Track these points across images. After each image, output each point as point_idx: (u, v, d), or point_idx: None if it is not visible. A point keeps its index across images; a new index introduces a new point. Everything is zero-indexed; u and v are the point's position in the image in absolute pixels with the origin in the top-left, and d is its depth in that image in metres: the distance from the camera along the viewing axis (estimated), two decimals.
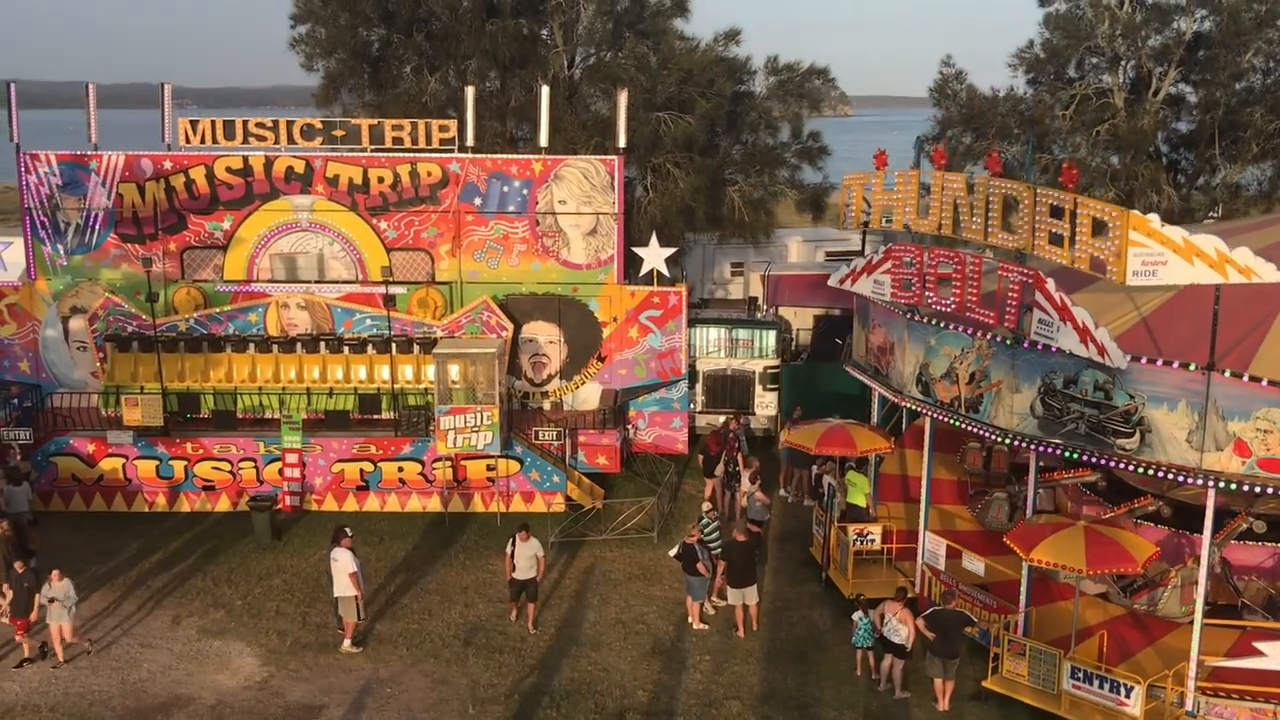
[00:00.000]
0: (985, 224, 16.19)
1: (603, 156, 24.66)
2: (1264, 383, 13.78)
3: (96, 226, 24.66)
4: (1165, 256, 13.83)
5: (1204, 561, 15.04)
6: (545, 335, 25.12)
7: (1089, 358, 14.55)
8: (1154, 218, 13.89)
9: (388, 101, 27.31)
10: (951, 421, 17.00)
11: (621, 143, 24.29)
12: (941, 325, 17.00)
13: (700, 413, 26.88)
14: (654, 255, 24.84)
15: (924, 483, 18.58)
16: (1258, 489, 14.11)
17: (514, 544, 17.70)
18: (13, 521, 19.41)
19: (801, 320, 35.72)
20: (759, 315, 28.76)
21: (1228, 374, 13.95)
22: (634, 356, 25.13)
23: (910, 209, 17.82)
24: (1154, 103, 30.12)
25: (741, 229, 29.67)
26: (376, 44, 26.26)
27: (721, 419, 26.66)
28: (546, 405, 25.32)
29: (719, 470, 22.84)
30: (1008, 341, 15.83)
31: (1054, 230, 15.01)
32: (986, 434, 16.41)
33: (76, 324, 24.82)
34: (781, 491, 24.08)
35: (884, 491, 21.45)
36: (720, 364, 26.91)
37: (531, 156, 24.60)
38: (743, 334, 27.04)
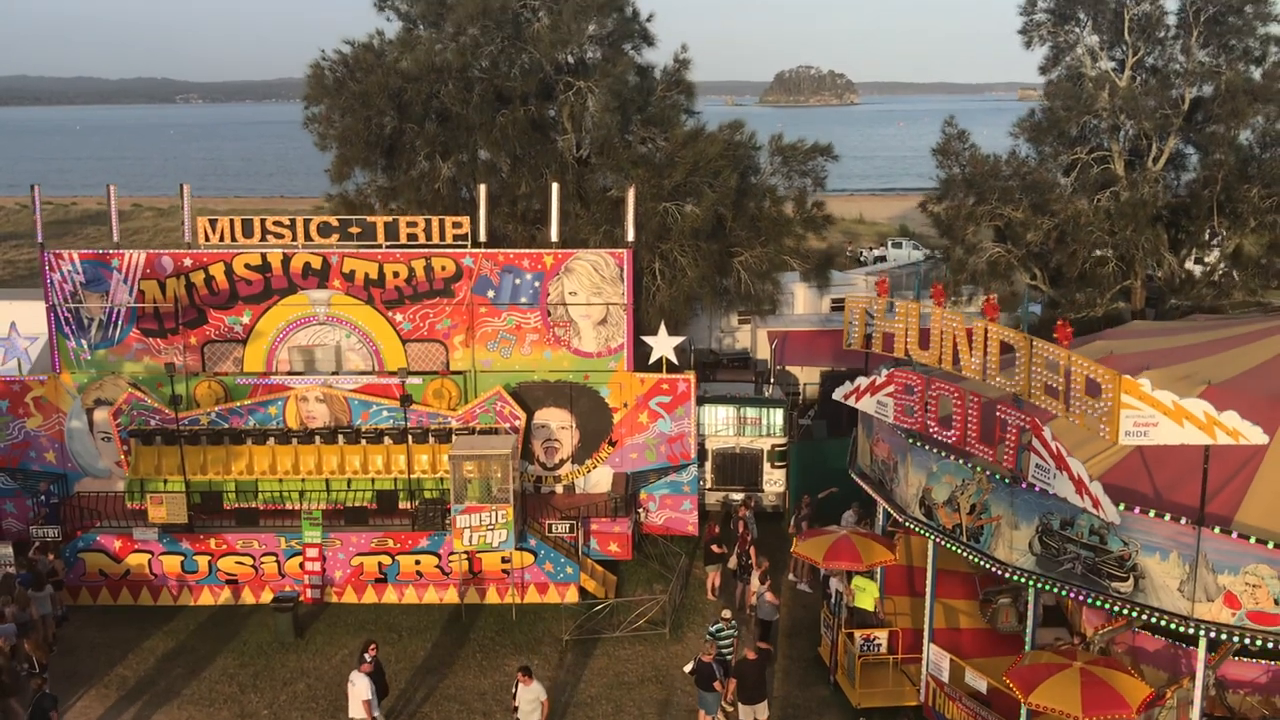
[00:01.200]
0: (984, 364, 16.73)
1: (612, 250, 25.23)
2: (1251, 540, 14.33)
3: (119, 322, 25.31)
4: (1156, 419, 14.38)
5: (1198, 696, 15.61)
6: (557, 421, 25.73)
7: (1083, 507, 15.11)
8: (1145, 382, 14.44)
9: (400, 185, 27.87)
10: (953, 548, 17.57)
11: (630, 237, 24.86)
12: (943, 454, 17.55)
13: (709, 490, 27.49)
14: (663, 344, 25.41)
15: (928, 600, 19.14)
16: (1248, 639, 14.67)
17: (516, 687, 18.01)
18: (22, 630, 20.11)
19: (809, 375, 36.38)
20: (766, 391, 29.26)
21: (1217, 530, 14.50)
22: (644, 441, 25.72)
23: (912, 339, 18.36)
24: (1153, 171, 30.56)
25: (747, 300, 30.19)
26: (389, 131, 26.79)
27: (727, 495, 27.37)
28: (559, 489, 25.94)
29: (732, 563, 23.46)
30: (1006, 481, 16.39)
31: (1049, 383, 15.56)
32: (990, 567, 16.95)
33: (100, 416, 25.48)
34: (790, 577, 24.67)
35: (891, 583, 22.03)
36: (729, 442, 27.49)
37: (543, 250, 25.17)
38: (751, 412, 27.59)
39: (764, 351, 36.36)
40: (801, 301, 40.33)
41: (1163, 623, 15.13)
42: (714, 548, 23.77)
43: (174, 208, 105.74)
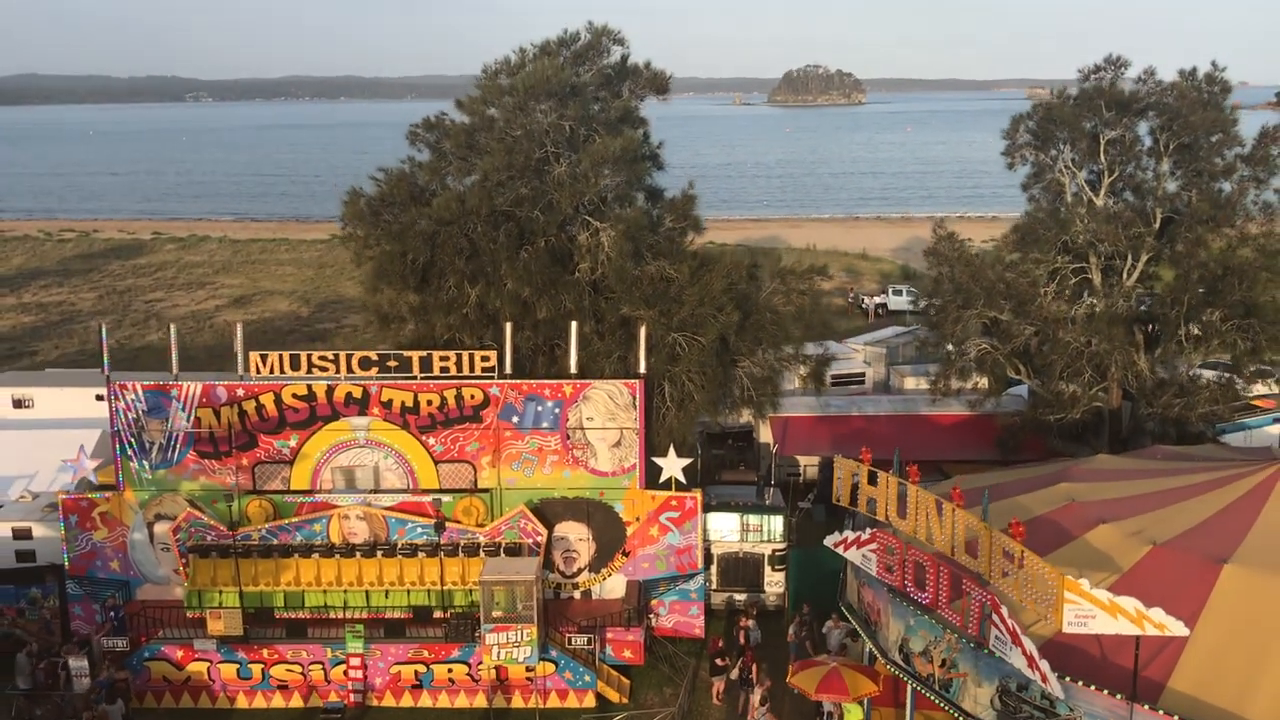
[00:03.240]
0: (951, 543, 19.20)
1: (625, 380, 27.71)
2: (1175, 718, 16.78)
3: (177, 445, 27.84)
4: (1095, 612, 16.85)
5: None
6: (575, 534, 28.24)
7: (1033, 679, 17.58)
8: (1084, 582, 16.90)
9: (431, 308, 30.36)
10: (927, 694, 20.06)
11: (642, 369, 27.36)
12: (918, 612, 20.03)
13: (715, 590, 29.98)
14: (672, 465, 27.89)
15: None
16: None
17: None
18: None
19: (809, 459, 38.92)
20: (767, 498, 31.74)
21: (1146, 707, 16.96)
22: (655, 552, 28.23)
23: (891, 508, 20.83)
24: (1127, 286, 32.95)
25: (749, 405, 32.63)
26: (422, 264, 29.29)
27: (731, 596, 29.85)
28: (577, 595, 28.46)
29: (734, 674, 25.95)
30: (971, 645, 18.86)
31: (1005, 569, 18.02)
32: (959, 718, 19.41)
33: (160, 529, 28.04)
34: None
35: (879, 698, 24.48)
36: (733, 546, 29.98)
37: (562, 380, 27.68)
38: (753, 519, 30.06)
39: (766, 434, 38.91)
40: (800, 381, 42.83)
41: None
42: (718, 660, 26.25)
43: (193, 236, 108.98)
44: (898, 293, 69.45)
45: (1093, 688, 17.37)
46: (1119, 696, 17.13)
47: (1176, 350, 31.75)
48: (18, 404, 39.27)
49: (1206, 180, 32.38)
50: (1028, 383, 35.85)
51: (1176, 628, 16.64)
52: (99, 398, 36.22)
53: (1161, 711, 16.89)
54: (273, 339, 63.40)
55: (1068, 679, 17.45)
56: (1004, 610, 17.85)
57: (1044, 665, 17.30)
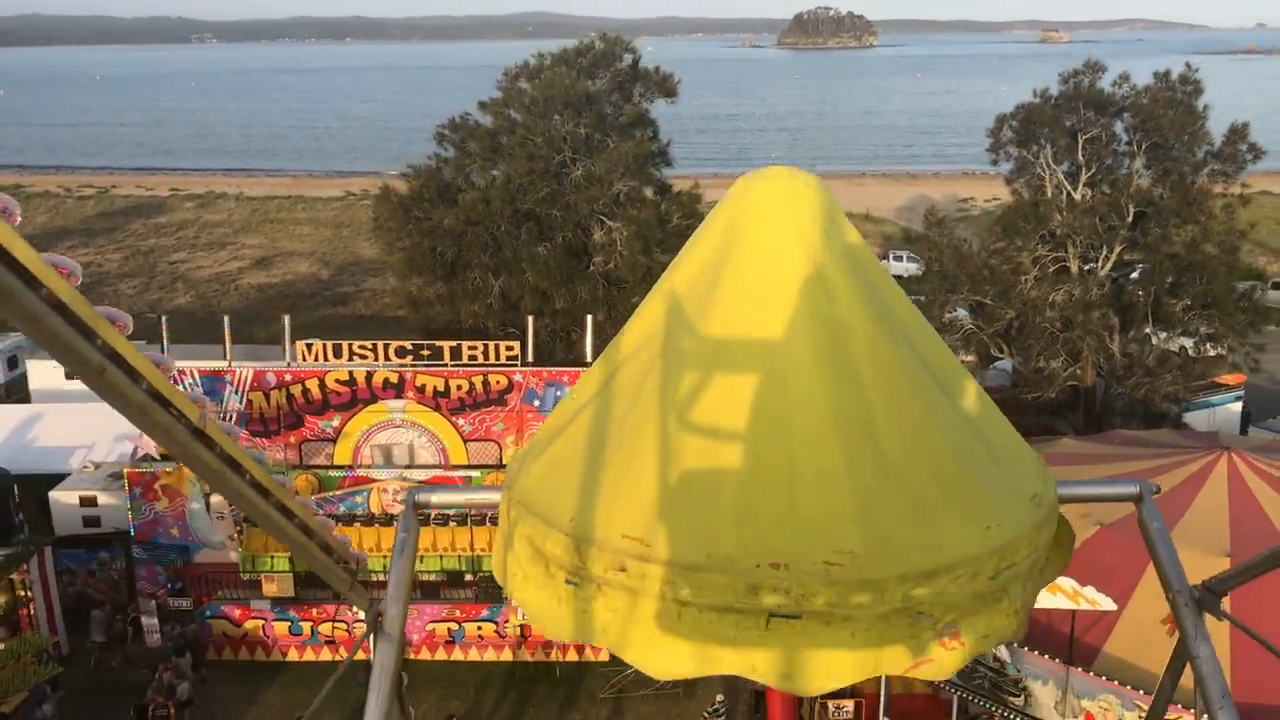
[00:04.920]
0: None
1: None
2: (1103, 678, 19.79)
3: (231, 424, 30.78)
4: None
5: None
6: None
7: None
8: None
9: (458, 296, 33.16)
10: None
11: None
12: None
13: None
14: None
15: (882, 680, 24.71)
16: None
17: None
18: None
19: None
20: None
21: (1079, 669, 19.96)
22: None
23: None
24: (1101, 275, 35.62)
25: None
26: (450, 258, 32.07)
27: None
28: None
29: None
30: None
31: None
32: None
33: (216, 499, 31.05)
34: None
35: None
36: None
37: (580, 368, 30.50)
38: None
39: None
40: None
41: None
42: None
43: (210, 194, 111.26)
44: (898, 258, 71.40)
45: (1036, 653, 20.36)
46: (1057, 660, 20.11)
47: (1144, 335, 34.43)
48: (70, 376, 42.20)
49: (1175, 177, 34.85)
50: (1010, 360, 38.60)
51: (1106, 604, 19.55)
52: None
53: (1093, 673, 19.88)
54: (295, 303, 66.13)
55: (1014, 645, 20.42)
56: None
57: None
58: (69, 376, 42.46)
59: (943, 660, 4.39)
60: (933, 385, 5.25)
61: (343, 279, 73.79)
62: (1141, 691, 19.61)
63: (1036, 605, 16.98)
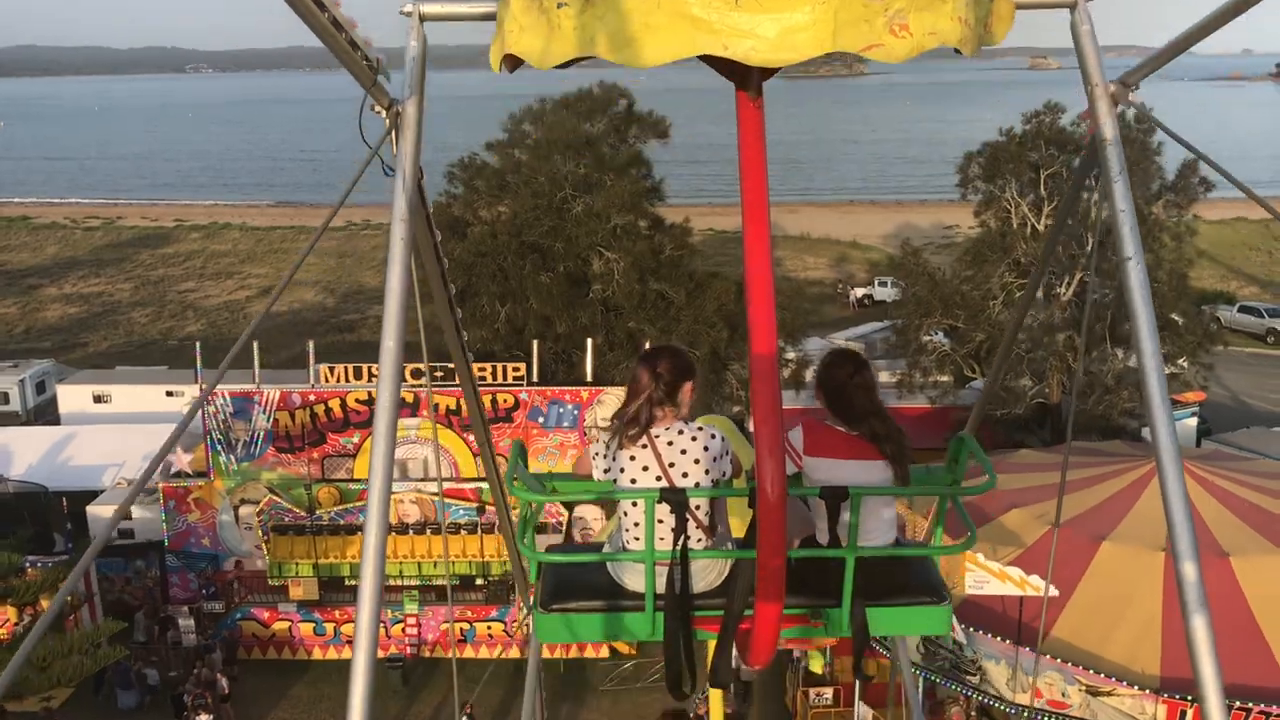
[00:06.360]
0: None
1: None
2: (1047, 657, 22.37)
3: (259, 441, 33.36)
4: (988, 578, 22.37)
5: None
6: (591, 514, 33.78)
7: None
8: (980, 555, 22.42)
9: (467, 322, 35.76)
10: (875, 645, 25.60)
11: None
12: None
13: None
14: None
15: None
16: (1046, 717, 22.74)
17: None
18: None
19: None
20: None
21: (1027, 650, 22.54)
22: None
23: None
24: (1062, 300, 38.41)
25: (738, 402, 38.14)
26: (460, 287, 34.73)
27: None
28: None
29: None
30: None
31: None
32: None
33: (245, 510, 33.59)
34: None
35: (840, 647, 30.12)
36: None
37: (580, 387, 33.17)
38: None
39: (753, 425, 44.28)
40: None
41: (997, 704, 23.22)
42: None
43: (214, 224, 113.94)
44: (883, 284, 73.77)
45: (990, 635, 22.93)
46: (1008, 641, 22.69)
47: (1100, 357, 37.18)
48: (98, 399, 44.82)
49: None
50: (980, 380, 41.33)
51: (1050, 590, 22.13)
52: (169, 394, 41.92)
53: (1040, 653, 22.45)
54: (303, 331, 68.46)
55: (971, 629, 22.99)
56: None
57: (953, 619, 22.84)
58: (96, 400, 45.18)
59: (892, 46, 4.59)
60: None
61: (348, 307, 76.41)
62: (1082, 668, 22.20)
63: (987, 593, 19.56)
